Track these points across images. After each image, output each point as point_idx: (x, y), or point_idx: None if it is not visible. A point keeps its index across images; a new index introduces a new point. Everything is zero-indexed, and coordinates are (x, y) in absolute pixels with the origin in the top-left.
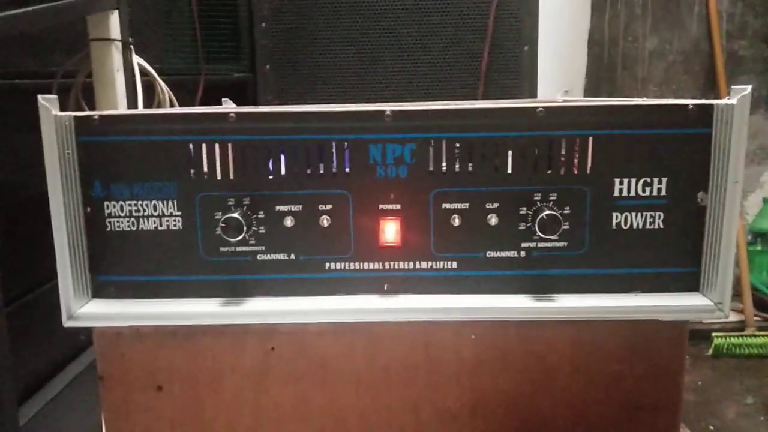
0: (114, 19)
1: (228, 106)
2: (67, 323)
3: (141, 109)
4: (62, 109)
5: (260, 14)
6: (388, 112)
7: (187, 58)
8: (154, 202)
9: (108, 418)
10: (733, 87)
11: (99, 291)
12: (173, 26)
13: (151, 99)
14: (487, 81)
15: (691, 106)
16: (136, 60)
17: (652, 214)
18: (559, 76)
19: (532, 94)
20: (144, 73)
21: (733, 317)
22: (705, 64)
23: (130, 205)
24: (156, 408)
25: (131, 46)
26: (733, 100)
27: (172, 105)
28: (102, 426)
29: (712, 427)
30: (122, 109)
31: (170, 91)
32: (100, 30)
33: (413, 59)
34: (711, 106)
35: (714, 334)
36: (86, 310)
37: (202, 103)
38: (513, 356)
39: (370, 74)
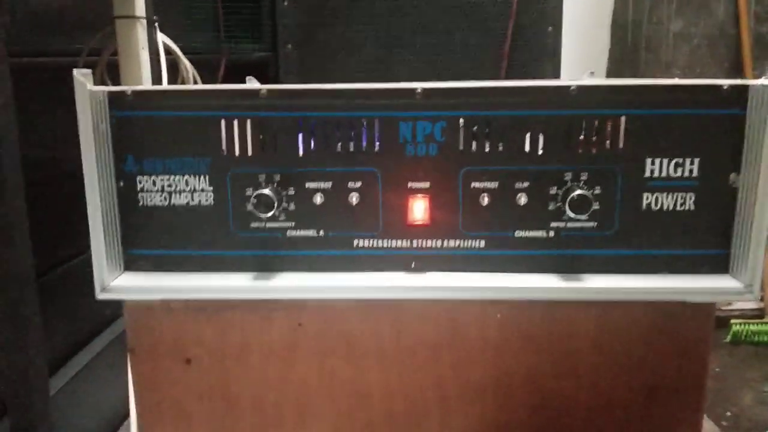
0: None
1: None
2: (99, 295)
3: (172, 86)
4: None
5: None
6: (419, 90)
7: (209, 37)
8: (186, 177)
9: (137, 389)
10: None
11: (131, 264)
12: (196, 5)
13: (174, 77)
14: (511, 61)
15: (725, 86)
16: (161, 38)
17: (683, 195)
18: (581, 57)
19: (555, 75)
20: (167, 51)
21: (753, 304)
22: (731, 47)
23: (162, 179)
24: (184, 380)
25: (156, 24)
26: None
27: (195, 83)
28: (130, 397)
29: (729, 414)
30: (150, 86)
31: (194, 69)
32: (125, 7)
33: (436, 39)
34: (746, 86)
35: (733, 321)
36: (118, 282)
37: (224, 82)
38: (538, 336)
39: (392, 54)
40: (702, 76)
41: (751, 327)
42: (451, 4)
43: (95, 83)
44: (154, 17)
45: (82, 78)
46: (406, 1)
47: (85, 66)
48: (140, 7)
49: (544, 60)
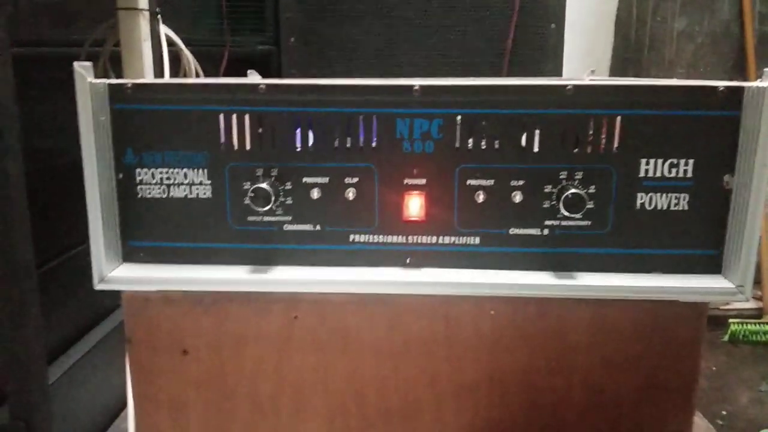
0: None
1: (256, 78)
2: (98, 286)
3: (173, 79)
4: None
5: None
6: (416, 87)
7: (212, 30)
8: (184, 170)
9: (134, 380)
10: (766, 69)
11: (129, 255)
12: None
13: (176, 69)
14: (512, 58)
15: (721, 88)
16: (163, 30)
17: (677, 195)
18: (585, 55)
19: (557, 72)
20: (170, 43)
21: (751, 304)
22: (734, 46)
23: (161, 172)
24: (181, 371)
25: (158, 16)
26: (765, 83)
27: (197, 75)
28: (127, 386)
29: (724, 413)
30: (150, 79)
31: (196, 62)
32: None
33: (439, 35)
34: (741, 88)
35: (731, 320)
36: (117, 273)
37: (226, 75)
38: (531, 333)
39: (395, 49)
40: (706, 75)
41: (749, 327)
42: (454, 2)
43: (98, 75)
44: (157, 9)
45: (83, 70)
46: None
47: (88, 57)
48: (143, 0)
49: (547, 58)
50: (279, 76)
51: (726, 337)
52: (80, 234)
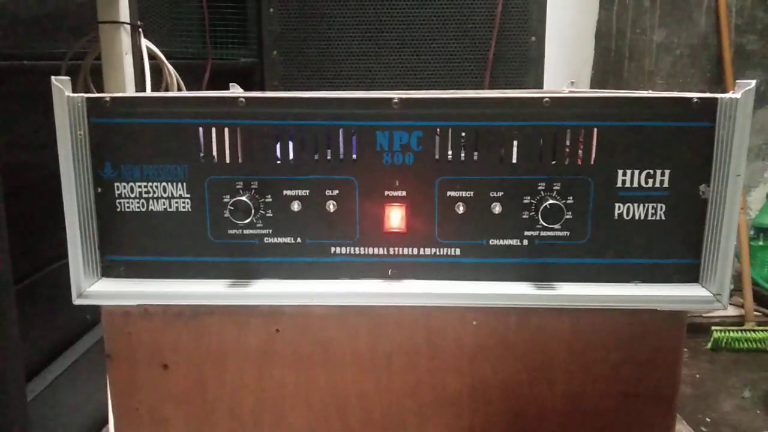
0: (123, 2)
1: (237, 91)
2: (77, 301)
3: (151, 92)
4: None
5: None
6: (396, 100)
7: (195, 43)
8: (163, 183)
9: (114, 395)
10: (738, 81)
11: (108, 270)
12: (181, 10)
13: (158, 82)
14: (494, 71)
15: (695, 100)
16: (145, 43)
17: (654, 205)
18: (565, 67)
19: (539, 84)
20: (152, 56)
21: (733, 311)
22: (713, 57)
23: (140, 186)
24: (161, 386)
25: (140, 29)
26: (738, 95)
27: (179, 89)
28: (108, 403)
29: (708, 420)
30: (131, 92)
31: (178, 75)
32: (110, 12)
33: (421, 48)
34: (715, 99)
35: (713, 327)
36: (95, 288)
37: (209, 88)
38: (513, 343)
39: (378, 62)
40: (684, 85)
41: (732, 334)
42: (435, 14)
43: (78, 88)
44: (139, 23)
45: (60, 84)
46: (392, 10)
47: (69, 70)
48: (124, 13)
49: (528, 70)
50: (262, 89)
51: (709, 345)
52: (60, 248)
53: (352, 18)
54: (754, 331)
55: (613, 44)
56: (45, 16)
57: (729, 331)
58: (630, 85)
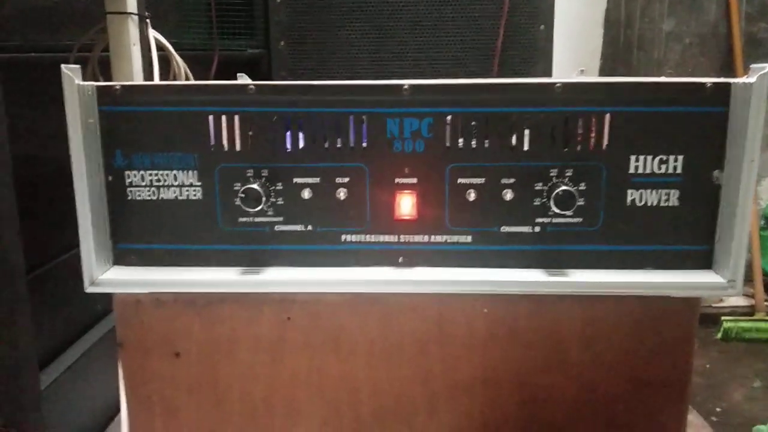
0: None
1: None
2: (89, 289)
3: (161, 81)
4: None
5: None
6: (406, 87)
7: (202, 34)
8: (174, 172)
9: (127, 383)
10: (752, 66)
11: (120, 258)
12: (188, 1)
13: (166, 73)
14: (502, 59)
15: (708, 85)
16: (152, 34)
17: (667, 191)
18: (574, 56)
19: (547, 73)
20: (159, 47)
21: (743, 301)
22: (722, 46)
23: (150, 174)
24: (173, 374)
25: (147, 20)
26: (752, 79)
27: (187, 79)
28: (120, 391)
29: (718, 410)
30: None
31: (186, 66)
32: (117, 3)
33: (428, 36)
34: (728, 84)
35: (723, 317)
36: (107, 276)
37: (216, 79)
38: (524, 331)
39: (385, 51)
40: (694, 74)
41: (742, 324)
42: (444, 3)
43: (86, 79)
44: (146, 13)
45: (71, 73)
46: None
47: (77, 62)
48: (132, 4)
49: (536, 58)
50: (269, 79)
51: (719, 335)
52: (71, 238)
53: (359, 8)
54: (764, 321)
55: (621, 33)
56: (52, 8)
57: (739, 321)
58: (639, 75)
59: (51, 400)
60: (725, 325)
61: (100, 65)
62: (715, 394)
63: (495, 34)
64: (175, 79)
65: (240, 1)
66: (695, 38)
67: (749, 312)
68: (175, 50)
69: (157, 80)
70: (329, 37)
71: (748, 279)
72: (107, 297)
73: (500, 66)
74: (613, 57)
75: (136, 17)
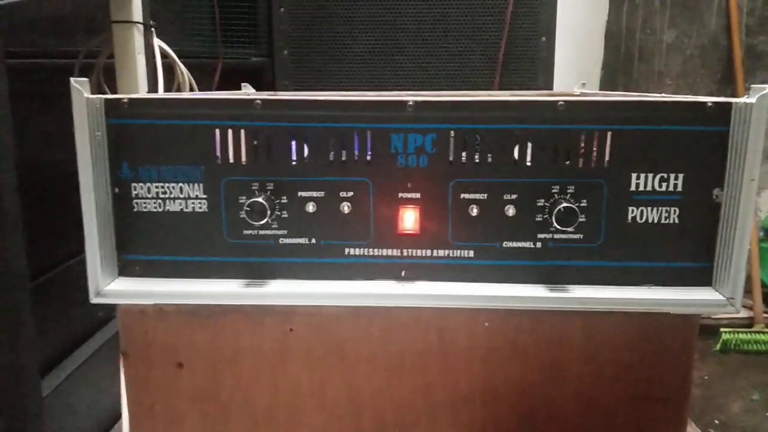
0: (136, 2)
1: (250, 92)
2: (94, 299)
3: (168, 93)
4: None
5: None
6: (410, 102)
7: (205, 42)
8: (180, 184)
9: (130, 393)
10: (752, 86)
11: (125, 269)
12: (192, 9)
13: (170, 82)
14: (504, 71)
15: (709, 104)
16: (157, 42)
17: (668, 209)
18: (575, 67)
19: (548, 85)
20: (164, 55)
21: (742, 313)
22: (723, 58)
23: (157, 186)
24: (176, 384)
25: (152, 29)
26: (753, 99)
27: (191, 88)
28: (122, 401)
29: (717, 422)
30: (143, 92)
31: (190, 74)
32: (123, 12)
33: (431, 47)
34: (729, 104)
35: (722, 329)
36: (112, 287)
37: (220, 87)
38: (525, 345)
39: (388, 62)
40: (694, 86)
41: (740, 336)
42: (446, 14)
43: (91, 87)
44: (151, 22)
45: (79, 86)
46: (402, 10)
47: (82, 69)
48: (137, 13)
49: (538, 70)
50: (272, 88)
51: (717, 347)
52: (75, 245)
53: (363, 18)
54: (763, 333)
55: (622, 45)
56: (58, 16)
57: (738, 332)
58: (640, 86)
59: (52, 407)
60: (724, 336)
61: (104, 73)
62: (714, 406)
63: (497, 45)
64: (179, 88)
65: (244, 10)
66: (696, 50)
67: (748, 324)
68: (179, 57)
69: (161, 88)
70: (332, 47)
71: (747, 291)
72: (110, 305)
73: (502, 77)
74: (614, 68)
75: (141, 26)
